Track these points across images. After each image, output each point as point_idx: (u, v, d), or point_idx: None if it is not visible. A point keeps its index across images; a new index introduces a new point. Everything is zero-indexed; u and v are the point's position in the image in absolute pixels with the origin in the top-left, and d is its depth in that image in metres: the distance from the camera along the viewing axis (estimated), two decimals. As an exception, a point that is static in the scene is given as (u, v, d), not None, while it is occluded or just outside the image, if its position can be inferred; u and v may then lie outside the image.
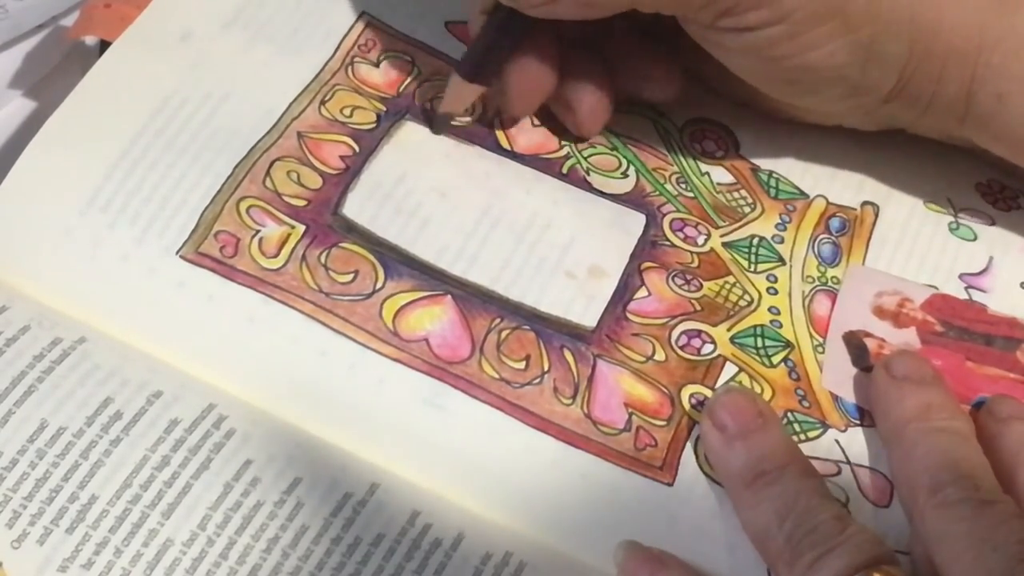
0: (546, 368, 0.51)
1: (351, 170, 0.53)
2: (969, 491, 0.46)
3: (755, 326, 0.53)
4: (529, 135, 0.56)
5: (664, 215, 0.55)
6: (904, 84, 0.52)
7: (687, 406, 0.51)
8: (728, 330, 0.53)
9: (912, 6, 0.50)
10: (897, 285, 0.55)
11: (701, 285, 0.53)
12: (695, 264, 0.54)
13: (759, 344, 0.52)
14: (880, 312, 0.54)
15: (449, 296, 0.51)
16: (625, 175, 0.56)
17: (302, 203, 0.52)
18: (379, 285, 0.51)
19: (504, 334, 0.51)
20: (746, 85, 0.53)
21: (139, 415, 0.47)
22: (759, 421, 0.49)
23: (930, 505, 0.47)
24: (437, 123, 0.55)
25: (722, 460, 0.49)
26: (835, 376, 0.52)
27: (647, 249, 0.54)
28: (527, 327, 0.51)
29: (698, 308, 0.53)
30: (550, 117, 0.56)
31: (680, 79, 0.55)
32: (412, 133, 0.55)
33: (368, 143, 0.54)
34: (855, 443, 0.51)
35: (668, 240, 0.54)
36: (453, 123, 0.55)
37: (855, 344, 0.53)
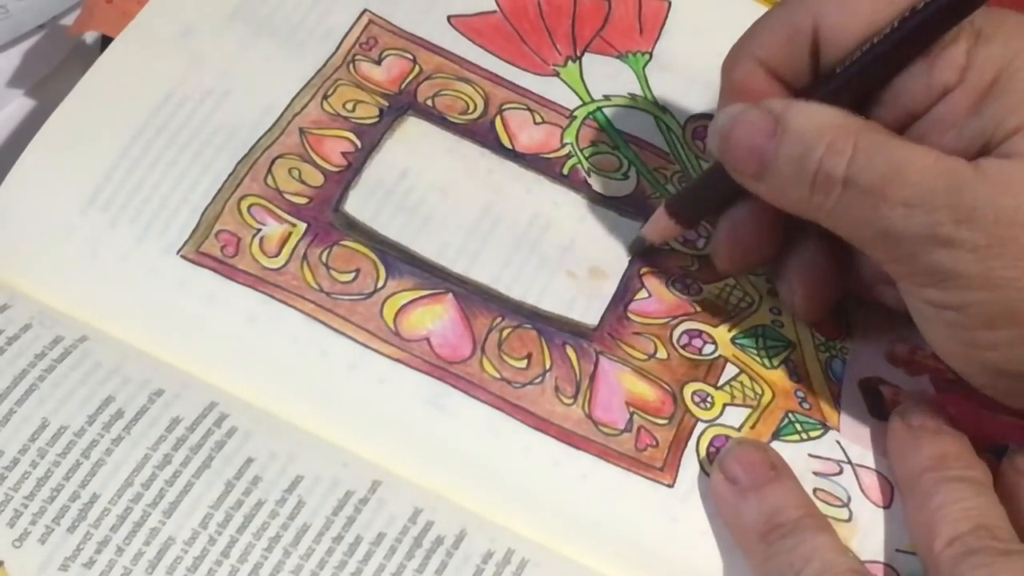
0: (548, 366, 0.50)
1: (353, 167, 0.53)
2: (987, 540, 0.46)
3: (756, 326, 0.53)
4: (530, 134, 0.56)
5: (664, 220, 0.55)
6: None
7: (689, 403, 0.51)
8: (729, 331, 0.53)
9: None
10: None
11: (701, 288, 0.53)
12: (695, 267, 0.54)
13: (760, 345, 0.52)
14: (893, 358, 0.53)
15: (450, 294, 0.51)
16: (626, 176, 0.55)
17: (303, 201, 0.52)
18: (380, 284, 0.51)
19: (505, 333, 0.51)
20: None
21: (140, 413, 0.47)
22: (771, 473, 0.48)
23: (947, 554, 0.46)
24: (633, 246, 0.54)
25: (735, 513, 0.48)
26: (852, 427, 0.51)
27: (646, 254, 0.54)
28: (528, 325, 0.51)
29: (698, 310, 0.53)
30: None
31: None
32: (414, 128, 0.55)
33: (370, 138, 0.54)
34: (856, 444, 0.51)
35: (667, 245, 0.54)
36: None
37: (871, 392, 0.52)
